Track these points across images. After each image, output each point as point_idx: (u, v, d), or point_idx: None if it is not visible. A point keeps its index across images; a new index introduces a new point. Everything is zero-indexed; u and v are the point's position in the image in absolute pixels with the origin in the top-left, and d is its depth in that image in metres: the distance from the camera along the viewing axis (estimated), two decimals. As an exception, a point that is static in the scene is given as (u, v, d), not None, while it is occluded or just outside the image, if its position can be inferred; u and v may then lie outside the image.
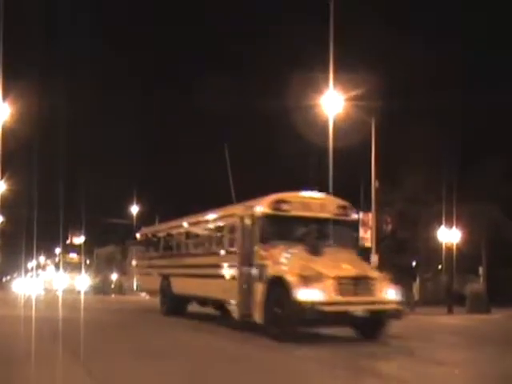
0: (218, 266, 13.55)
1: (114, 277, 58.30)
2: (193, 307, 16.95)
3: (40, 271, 72.10)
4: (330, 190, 19.99)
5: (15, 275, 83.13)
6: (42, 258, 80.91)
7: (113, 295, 47.15)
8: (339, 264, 11.55)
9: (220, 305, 14.17)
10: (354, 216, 12.86)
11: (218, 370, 8.17)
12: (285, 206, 12.13)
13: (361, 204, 29.22)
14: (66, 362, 8.31)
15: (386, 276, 11.62)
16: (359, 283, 11.11)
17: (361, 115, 25.21)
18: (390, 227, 37.11)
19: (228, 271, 13.10)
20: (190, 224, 16.01)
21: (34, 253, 60.74)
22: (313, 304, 10.64)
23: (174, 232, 17.06)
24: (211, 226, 14.58)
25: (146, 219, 50.47)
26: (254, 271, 12.02)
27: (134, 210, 53.91)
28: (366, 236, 25.68)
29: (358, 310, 11.01)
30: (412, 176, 34.31)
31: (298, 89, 25.69)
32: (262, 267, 11.82)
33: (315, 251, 11.61)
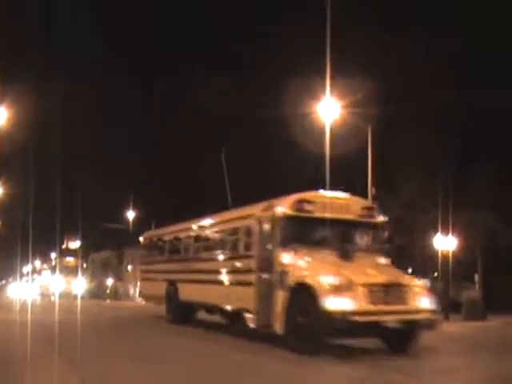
0: (233, 272, 12.24)
1: (110, 282, 56.70)
2: (199, 314, 15.59)
3: (36, 275, 70.16)
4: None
5: (10, 279, 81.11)
6: (37, 263, 78.93)
7: (108, 300, 45.61)
8: (369, 270, 10.31)
9: (233, 313, 12.78)
10: (380, 218, 11.55)
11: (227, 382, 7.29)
12: (308, 207, 10.82)
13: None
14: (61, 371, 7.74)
15: (421, 282, 10.28)
16: (391, 291, 9.87)
17: (357, 122, 24.46)
18: (386, 234, 36.09)
19: (244, 277, 11.74)
20: (201, 226, 14.61)
21: (30, 257, 59.06)
22: (343, 314, 9.37)
23: (181, 235, 15.64)
24: (224, 228, 13.20)
25: (142, 224, 49.62)
26: (274, 277, 10.71)
27: (130, 215, 52.45)
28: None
29: (391, 320, 9.75)
30: (408, 182, 33.49)
31: (295, 95, 25.11)
32: (283, 273, 10.51)
33: (343, 256, 10.32)
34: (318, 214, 10.86)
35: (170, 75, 73.96)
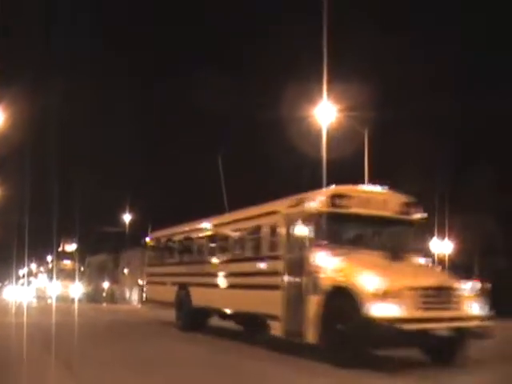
0: (255, 274, 10.77)
1: (106, 285, 54.87)
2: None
3: (32, 278, 68.03)
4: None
5: (6, 283, 78.88)
6: (33, 266, 76.74)
7: (104, 304, 43.97)
8: (415, 271, 8.85)
9: (254, 320, 11.27)
10: (421, 215, 10.10)
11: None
12: (343, 202, 9.38)
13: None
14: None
15: (474, 285, 8.86)
16: (441, 295, 8.55)
17: (354, 125, 23.76)
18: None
19: (269, 280, 10.27)
20: (217, 225, 13.01)
21: (26, 260, 57.19)
22: (389, 321, 8.00)
23: (194, 235, 13.99)
24: (245, 226, 11.63)
25: (138, 227, 48.15)
26: (306, 280, 9.28)
27: (127, 217, 50.79)
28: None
29: (441, 328, 8.36)
30: (405, 186, 32.31)
31: (292, 98, 24.49)
32: (316, 275, 9.09)
33: (385, 256, 8.89)
34: (354, 210, 9.43)
35: (169, 75, 72.24)
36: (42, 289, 53.16)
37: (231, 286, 11.60)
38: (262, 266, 10.57)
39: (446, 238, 33.75)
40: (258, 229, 10.92)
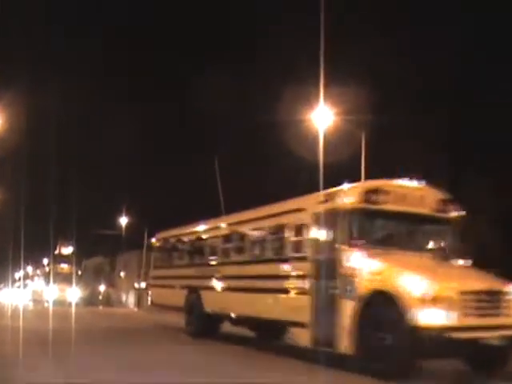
0: (279, 277, 9.70)
1: (102, 288, 53.51)
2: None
3: (28, 281, 66.48)
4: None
5: (2, 286, 77.27)
6: (29, 269, 75.09)
7: (100, 307, 42.80)
8: (463, 274, 7.86)
9: (274, 327, 10.22)
10: (459, 213, 9.07)
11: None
12: (380, 198, 8.36)
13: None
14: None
15: None
16: (493, 300, 7.51)
17: (351, 129, 22.86)
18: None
19: (294, 284, 9.21)
20: (232, 224, 11.84)
21: (22, 263, 55.70)
22: (439, 329, 6.98)
23: (207, 235, 12.85)
24: (266, 225, 10.50)
25: (134, 230, 47.00)
26: (339, 283, 8.26)
27: (123, 220, 49.53)
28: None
29: (493, 337, 7.32)
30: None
31: (289, 102, 23.71)
32: (351, 278, 8.07)
33: (427, 257, 7.88)
34: (390, 207, 8.40)
35: (169, 76, 70.78)
36: (39, 292, 51.72)
37: (249, 290, 10.49)
38: (286, 268, 9.50)
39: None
40: (281, 227, 9.83)
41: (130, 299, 49.49)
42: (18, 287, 62.43)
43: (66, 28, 63.26)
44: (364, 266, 8.01)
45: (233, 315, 11.37)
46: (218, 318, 12.21)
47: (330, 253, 8.59)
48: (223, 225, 12.27)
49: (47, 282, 49.51)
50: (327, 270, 8.57)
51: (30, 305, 41.26)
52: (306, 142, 22.84)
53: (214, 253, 12.37)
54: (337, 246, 8.43)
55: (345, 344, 7.99)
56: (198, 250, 13.07)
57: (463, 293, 7.24)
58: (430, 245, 8.54)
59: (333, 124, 21.65)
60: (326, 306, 8.49)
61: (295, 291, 9.13)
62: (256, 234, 10.71)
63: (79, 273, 55.28)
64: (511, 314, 7.58)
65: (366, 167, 24.01)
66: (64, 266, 54.04)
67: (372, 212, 8.31)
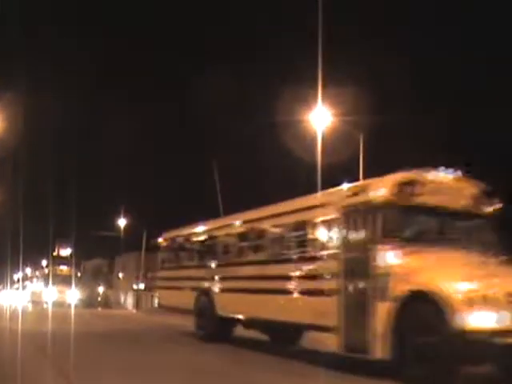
0: (303, 277, 8.89)
1: (101, 290, 52.55)
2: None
3: (27, 283, 65.36)
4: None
5: (0, 287, 76.06)
6: (28, 270, 73.97)
7: (99, 308, 41.92)
8: (507, 273, 7.07)
9: (295, 331, 9.41)
10: (498, 205, 8.29)
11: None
12: (416, 190, 7.59)
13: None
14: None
15: None
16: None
17: (350, 130, 22.43)
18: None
19: (321, 284, 8.42)
20: (249, 222, 10.92)
21: (20, 264, 54.69)
22: (487, 333, 6.21)
23: (219, 233, 11.93)
24: (287, 221, 9.63)
25: (133, 232, 46.39)
26: (372, 283, 7.48)
27: (122, 222, 48.70)
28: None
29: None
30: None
31: (288, 103, 23.49)
32: (386, 278, 7.26)
33: (475, 255, 7.11)
34: (427, 200, 7.63)
35: (168, 78, 69.86)
36: (38, 293, 50.70)
37: (268, 292, 9.64)
38: (311, 267, 8.69)
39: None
40: (304, 224, 9.00)
41: (129, 301, 48.69)
42: (17, 289, 61.40)
43: (66, 28, 62.31)
44: (400, 265, 7.25)
45: (248, 318, 10.54)
46: (231, 321, 11.36)
47: (360, 250, 7.82)
48: (238, 222, 11.35)
49: (46, 283, 48.56)
50: (357, 268, 7.80)
51: (29, 306, 40.33)
52: (305, 142, 22.53)
53: (227, 252, 11.48)
54: (368, 242, 7.66)
55: (379, 349, 7.22)
56: (209, 249, 12.18)
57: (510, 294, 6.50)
58: (470, 241, 7.76)
59: (331, 125, 21.28)
60: (356, 308, 7.72)
61: (322, 292, 8.32)
62: (277, 231, 9.82)
63: (79, 274, 54.29)
64: None
65: (363, 168, 23.51)
66: (63, 268, 53.10)
67: (407, 206, 7.54)
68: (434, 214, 7.71)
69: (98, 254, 56.21)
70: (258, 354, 10.17)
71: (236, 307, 10.83)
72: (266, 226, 10.21)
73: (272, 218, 10.06)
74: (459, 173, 8.19)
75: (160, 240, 14.68)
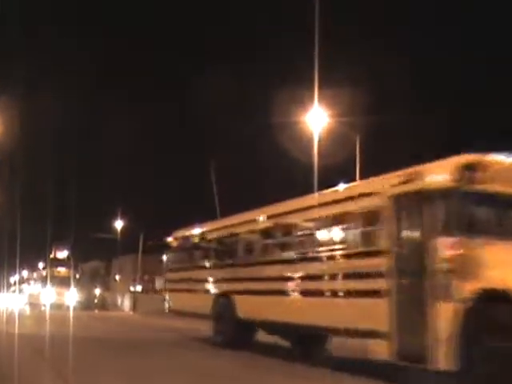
0: (345, 276, 7.75)
1: (98, 292, 51.39)
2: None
3: (23, 286, 63.91)
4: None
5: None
6: (25, 273, 72.40)
7: (96, 310, 40.95)
8: None
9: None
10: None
11: None
12: (480, 176, 6.50)
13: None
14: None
15: None
16: None
17: (346, 131, 21.98)
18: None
19: (367, 283, 7.32)
20: (277, 216, 9.64)
21: (17, 266, 53.31)
22: None
23: (240, 231, 10.70)
24: (326, 214, 8.43)
25: (130, 234, 45.60)
26: (430, 282, 6.38)
27: (119, 224, 47.68)
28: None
29: None
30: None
31: (284, 104, 22.95)
32: (450, 275, 6.15)
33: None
34: (493, 186, 6.56)
35: (167, 78, 68.56)
36: (36, 295, 49.41)
37: (301, 293, 8.51)
38: (355, 265, 7.57)
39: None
40: (346, 216, 7.88)
41: (126, 303, 47.68)
42: (14, 291, 60.03)
43: (66, 28, 60.84)
44: (466, 260, 6.17)
45: (274, 322, 9.36)
46: (253, 326, 10.20)
47: (414, 244, 6.75)
48: (262, 218, 10.13)
49: (44, 285, 47.27)
50: (411, 265, 6.73)
51: (27, 309, 39.04)
52: (301, 143, 22.09)
53: (251, 251, 10.30)
54: (425, 235, 6.58)
55: (443, 357, 6.14)
56: (229, 248, 10.98)
57: None
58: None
59: (328, 126, 20.79)
60: (411, 310, 6.65)
61: (369, 293, 7.23)
62: (312, 225, 8.63)
63: (77, 276, 53.11)
64: None
65: (360, 169, 22.73)
66: (61, 270, 51.72)
67: (472, 192, 6.46)
68: (501, 202, 6.64)
69: (95, 256, 55.19)
70: (276, 359, 9.17)
71: (260, 311, 9.64)
72: (295, 220, 9.03)
73: (302, 212, 8.88)
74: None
75: (169, 239, 13.43)
